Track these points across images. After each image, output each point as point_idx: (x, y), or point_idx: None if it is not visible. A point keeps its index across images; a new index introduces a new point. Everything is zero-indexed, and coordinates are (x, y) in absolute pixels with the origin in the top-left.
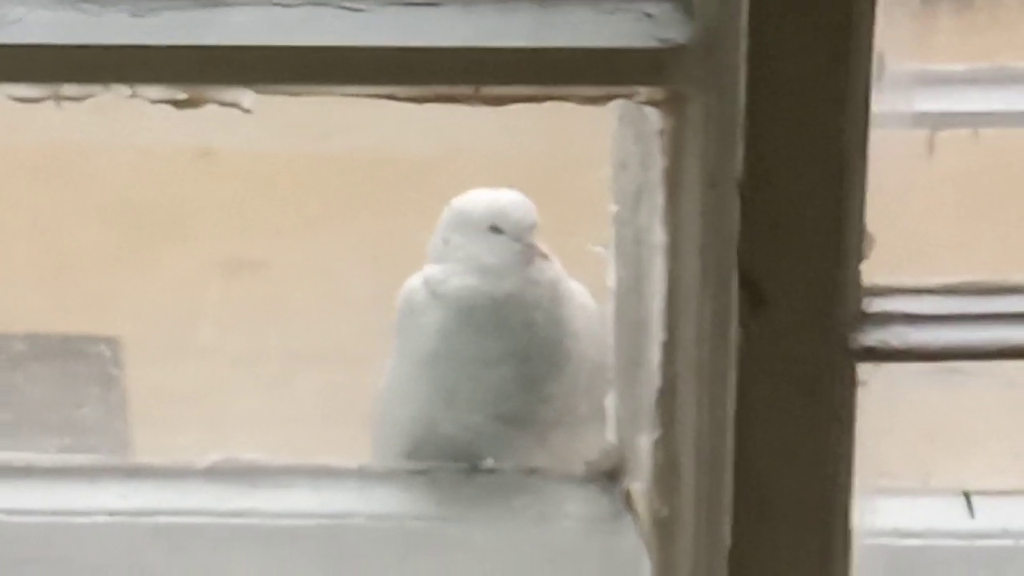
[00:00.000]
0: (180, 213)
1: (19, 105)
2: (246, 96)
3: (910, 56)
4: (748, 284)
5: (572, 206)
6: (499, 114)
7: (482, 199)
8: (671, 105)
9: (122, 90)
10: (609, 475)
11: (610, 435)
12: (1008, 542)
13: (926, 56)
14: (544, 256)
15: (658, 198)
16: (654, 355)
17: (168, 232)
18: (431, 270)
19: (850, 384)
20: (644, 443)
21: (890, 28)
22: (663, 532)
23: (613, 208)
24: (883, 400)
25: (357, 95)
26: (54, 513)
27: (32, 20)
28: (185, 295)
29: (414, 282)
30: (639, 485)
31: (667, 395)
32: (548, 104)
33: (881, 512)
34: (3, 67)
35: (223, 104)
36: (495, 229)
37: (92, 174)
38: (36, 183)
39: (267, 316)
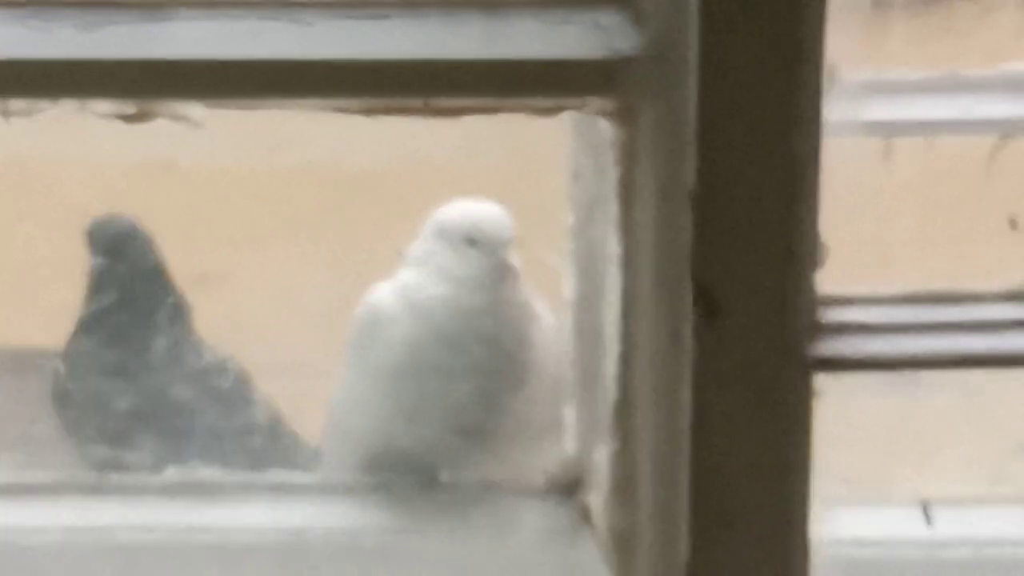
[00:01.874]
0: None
1: None
2: (196, 110)
3: (862, 64)
4: (702, 295)
5: (529, 217)
6: (454, 125)
7: (460, 210)
8: (623, 116)
9: (71, 104)
10: (567, 488)
11: (568, 447)
12: (967, 551)
13: (879, 64)
14: (516, 273)
15: (612, 209)
16: (610, 367)
17: None
18: (406, 276)
19: (806, 394)
20: (602, 455)
21: (841, 37)
22: (621, 544)
23: (569, 219)
24: (840, 410)
25: (307, 108)
26: (10, 531)
27: None
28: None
29: (379, 294)
30: (597, 497)
31: (624, 407)
32: (503, 115)
33: (840, 522)
34: None
35: (173, 118)
36: (470, 241)
37: (48, 187)
38: None
39: (226, 329)
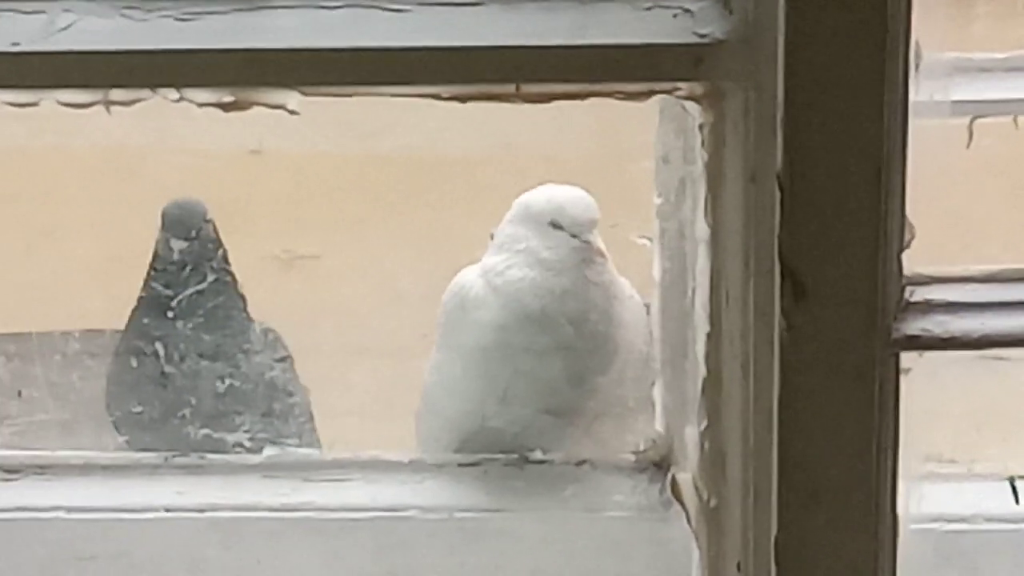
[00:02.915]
0: (232, 210)
1: (69, 110)
2: (292, 98)
3: (947, 45)
4: (790, 275)
5: (617, 199)
6: (544, 111)
7: (545, 194)
8: (711, 100)
9: (170, 94)
10: (657, 465)
11: (658, 425)
12: None
13: (963, 45)
14: (601, 255)
15: (700, 191)
16: (699, 346)
17: (221, 228)
18: (490, 260)
19: (893, 372)
20: (691, 433)
21: (926, 18)
22: (711, 520)
23: (657, 201)
24: (927, 387)
25: (400, 95)
26: (113, 510)
27: (80, 27)
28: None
29: (467, 277)
30: (686, 474)
31: (712, 386)
32: (592, 100)
33: (927, 498)
34: (52, 73)
35: (269, 106)
36: (555, 225)
37: (145, 174)
38: (90, 184)
39: (318, 311)
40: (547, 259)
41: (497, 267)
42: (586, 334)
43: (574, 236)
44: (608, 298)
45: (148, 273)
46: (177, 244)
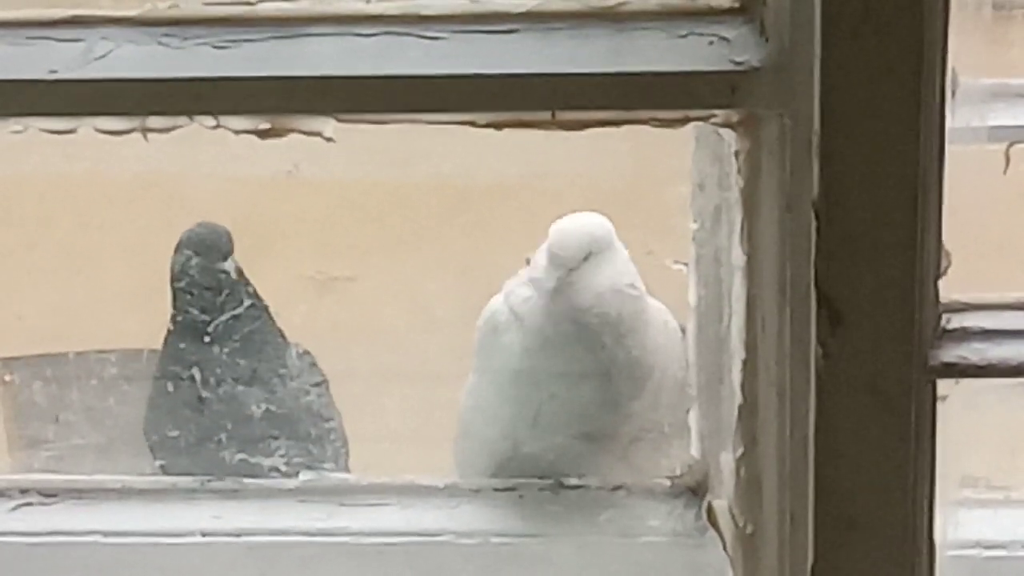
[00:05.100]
0: (268, 232)
1: (106, 137)
2: (328, 125)
3: (983, 71)
4: (826, 303)
5: (653, 225)
6: (579, 137)
7: (559, 223)
8: (746, 127)
9: (206, 121)
10: (693, 491)
11: (693, 451)
12: None
13: (1000, 70)
14: (558, 292)
15: (736, 218)
16: (735, 373)
17: (256, 252)
18: (513, 283)
19: (930, 400)
20: (727, 459)
21: (963, 44)
22: (747, 547)
23: (693, 226)
24: (964, 414)
25: (435, 122)
26: (150, 534)
27: (117, 55)
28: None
29: (496, 302)
30: (722, 501)
31: (748, 412)
32: (627, 126)
33: (964, 525)
34: (89, 101)
35: (305, 133)
36: (547, 253)
37: (181, 199)
38: (127, 209)
39: (353, 334)
40: (536, 279)
41: (515, 291)
42: (616, 357)
43: (550, 269)
44: (635, 317)
45: (177, 297)
46: (199, 266)
